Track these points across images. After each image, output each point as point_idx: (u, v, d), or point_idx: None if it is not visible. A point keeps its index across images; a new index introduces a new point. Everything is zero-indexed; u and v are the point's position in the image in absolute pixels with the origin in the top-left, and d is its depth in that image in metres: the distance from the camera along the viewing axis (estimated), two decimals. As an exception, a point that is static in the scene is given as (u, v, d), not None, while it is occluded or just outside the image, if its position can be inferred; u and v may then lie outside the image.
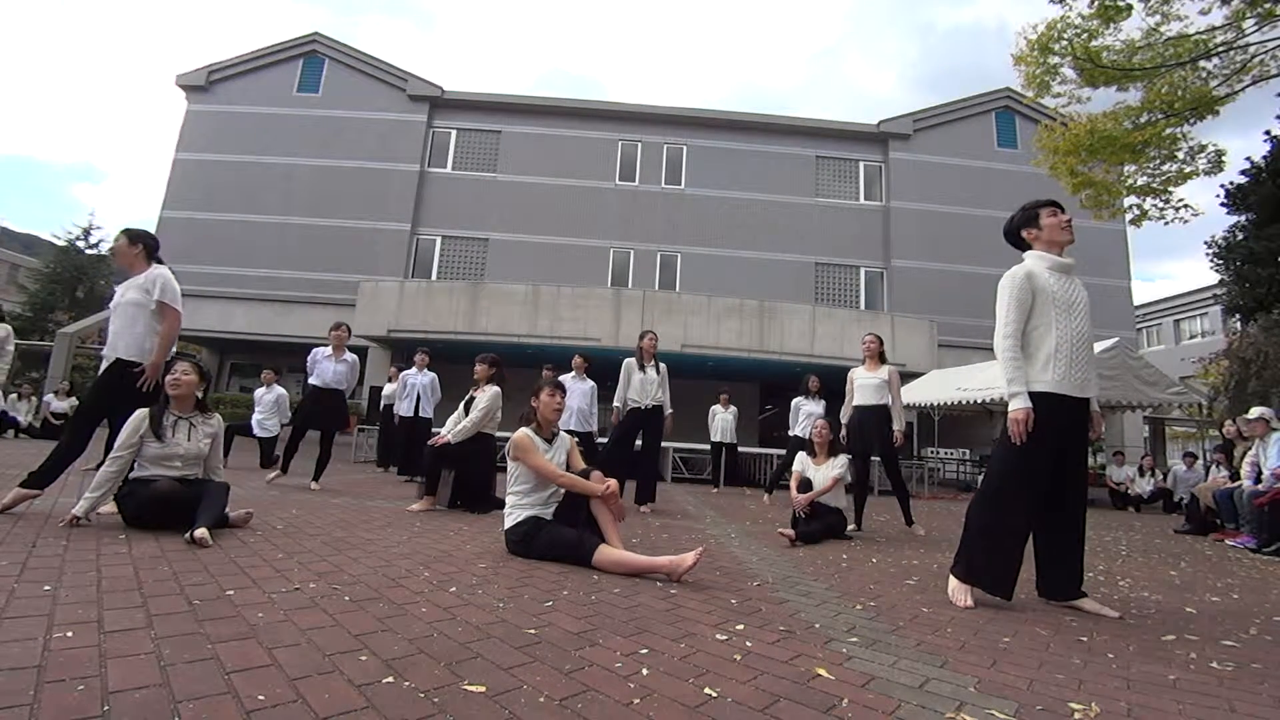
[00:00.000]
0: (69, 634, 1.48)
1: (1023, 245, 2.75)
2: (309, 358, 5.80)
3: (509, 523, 3.01)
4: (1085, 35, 7.71)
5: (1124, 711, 1.47)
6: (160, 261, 3.51)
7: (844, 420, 5.08)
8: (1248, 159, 11.66)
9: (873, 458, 5.41)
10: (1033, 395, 2.47)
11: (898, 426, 4.91)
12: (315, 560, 2.52)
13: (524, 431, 3.14)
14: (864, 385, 5.04)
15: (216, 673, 1.32)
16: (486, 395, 4.81)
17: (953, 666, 1.73)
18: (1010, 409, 2.47)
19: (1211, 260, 12.98)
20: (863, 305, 17.05)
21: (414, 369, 7.48)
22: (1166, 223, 8.54)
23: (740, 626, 1.98)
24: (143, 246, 3.47)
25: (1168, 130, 7.96)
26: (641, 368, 5.68)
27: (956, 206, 17.45)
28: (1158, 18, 7.61)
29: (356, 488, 5.87)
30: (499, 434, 4.94)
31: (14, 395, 9.99)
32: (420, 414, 7.26)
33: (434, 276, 16.73)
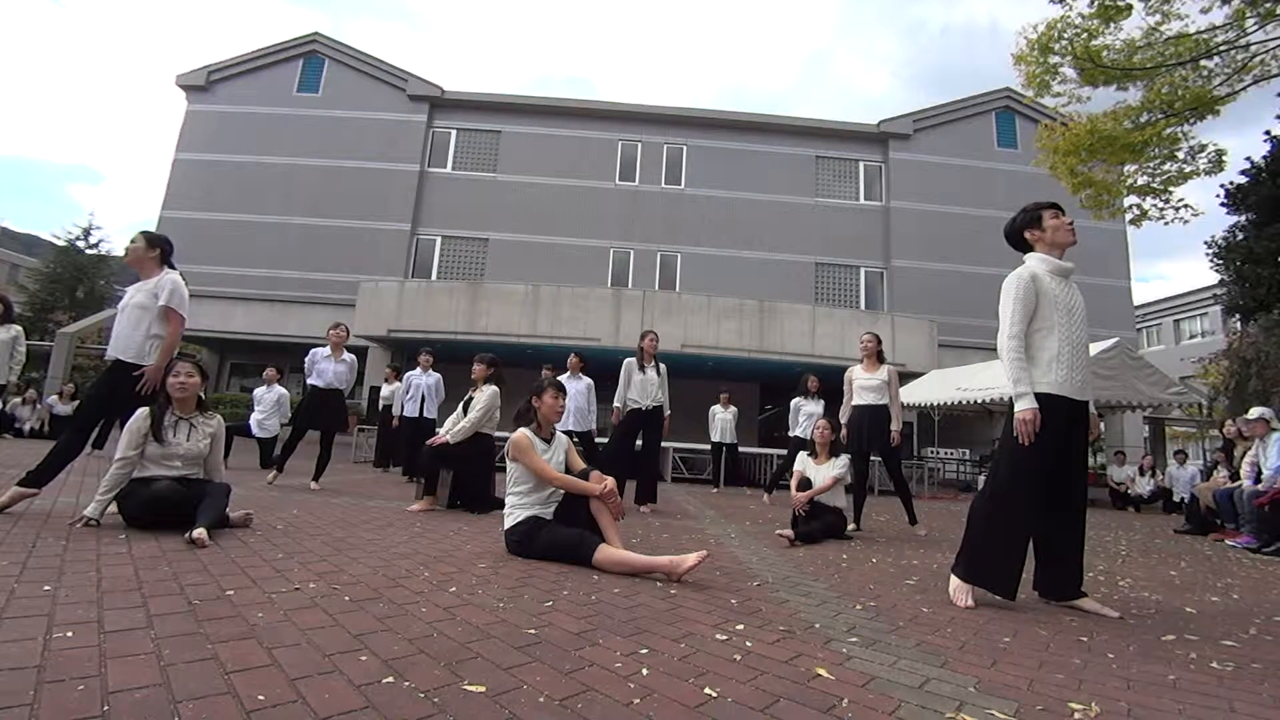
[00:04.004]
0: (69, 634, 1.48)
1: (1024, 246, 2.75)
2: (307, 358, 5.81)
3: (509, 523, 3.01)
4: (1085, 35, 7.71)
5: (1124, 711, 1.47)
6: (173, 267, 3.51)
7: (843, 420, 5.09)
8: (1248, 159, 11.63)
9: (873, 457, 5.41)
10: (1036, 396, 2.47)
11: (896, 427, 4.92)
12: (315, 560, 2.52)
13: (523, 432, 3.14)
14: (864, 385, 5.04)
15: (216, 673, 1.32)
16: (485, 395, 4.81)
17: (953, 666, 1.73)
18: (1017, 410, 2.47)
19: (1211, 260, 12.95)
20: (863, 305, 17.05)
21: (418, 369, 7.49)
22: (1167, 223, 8.55)
23: (740, 626, 1.98)
24: (159, 251, 3.47)
25: (1168, 130, 7.96)
26: (642, 368, 5.67)
27: (956, 206, 17.45)
28: (1158, 17, 7.61)
29: (356, 488, 5.87)
30: (498, 434, 4.94)
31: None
32: (424, 414, 7.27)
33: (434, 276, 16.73)
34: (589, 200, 17.38)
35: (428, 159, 17.64)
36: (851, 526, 4.70)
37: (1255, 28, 7.51)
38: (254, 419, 7.70)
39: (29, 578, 1.95)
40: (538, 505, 3.02)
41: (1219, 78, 7.83)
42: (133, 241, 3.49)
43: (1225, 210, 11.99)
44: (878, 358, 5.13)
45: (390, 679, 1.37)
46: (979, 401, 10.04)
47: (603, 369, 7.32)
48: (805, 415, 7.45)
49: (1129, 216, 8.90)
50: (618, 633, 1.84)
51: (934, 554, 3.91)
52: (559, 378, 5.92)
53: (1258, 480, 5.74)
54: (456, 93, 17.94)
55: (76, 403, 10.59)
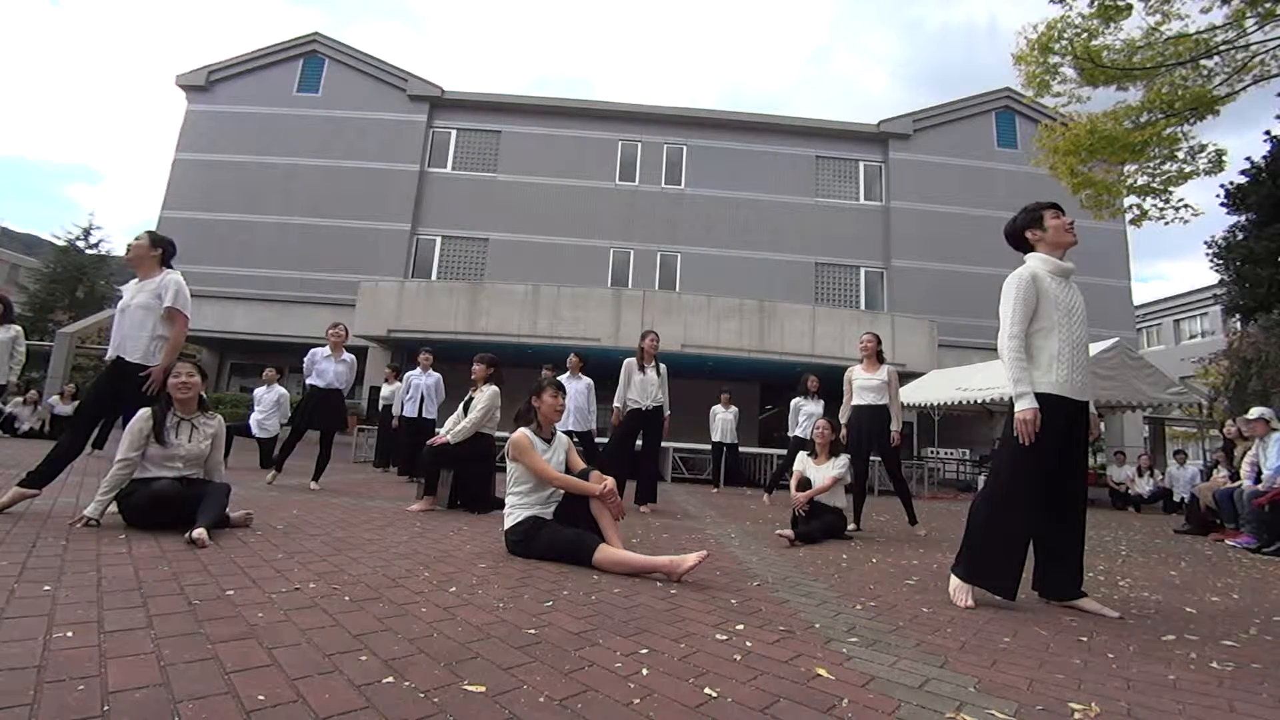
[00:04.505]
0: (69, 634, 1.48)
1: (1025, 246, 2.75)
2: (307, 358, 5.81)
3: (509, 523, 3.01)
4: (1085, 35, 7.70)
5: (1124, 711, 1.47)
6: (171, 268, 3.51)
7: (843, 420, 5.09)
8: (1248, 159, 11.63)
9: (873, 457, 5.41)
10: (1036, 396, 2.47)
11: (895, 427, 4.92)
12: (315, 560, 2.52)
13: (523, 431, 3.14)
14: (863, 386, 5.05)
15: (216, 673, 1.32)
16: (485, 395, 4.81)
17: (953, 666, 1.73)
18: (1017, 409, 2.47)
19: (1211, 260, 12.96)
20: (863, 305, 17.05)
21: (418, 369, 7.48)
22: (1167, 223, 8.54)
23: (740, 626, 1.98)
24: (161, 251, 3.48)
25: (1168, 130, 7.95)
26: (641, 368, 5.67)
27: (956, 206, 17.45)
28: (1158, 17, 7.60)
29: (356, 488, 5.87)
30: (498, 434, 4.94)
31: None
32: (424, 414, 7.26)
33: (434, 276, 16.73)
34: (589, 200, 17.38)
35: (428, 159, 17.64)
36: (851, 526, 4.70)
37: (1255, 28, 7.50)
38: (254, 419, 7.69)
39: (29, 578, 1.95)
40: (538, 505, 3.02)
41: (1219, 78, 7.82)
42: (136, 239, 3.48)
43: (1225, 210, 11.99)
44: (877, 358, 5.13)
45: (390, 679, 1.37)
46: (979, 401, 10.04)
47: (603, 369, 7.32)
48: (805, 415, 7.45)
49: (1129, 216, 8.89)
50: (618, 633, 1.84)
51: (934, 554, 3.91)
52: (559, 378, 5.92)
53: (1258, 480, 5.74)
54: (456, 93, 17.94)
55: (77, 403, 10.59)
